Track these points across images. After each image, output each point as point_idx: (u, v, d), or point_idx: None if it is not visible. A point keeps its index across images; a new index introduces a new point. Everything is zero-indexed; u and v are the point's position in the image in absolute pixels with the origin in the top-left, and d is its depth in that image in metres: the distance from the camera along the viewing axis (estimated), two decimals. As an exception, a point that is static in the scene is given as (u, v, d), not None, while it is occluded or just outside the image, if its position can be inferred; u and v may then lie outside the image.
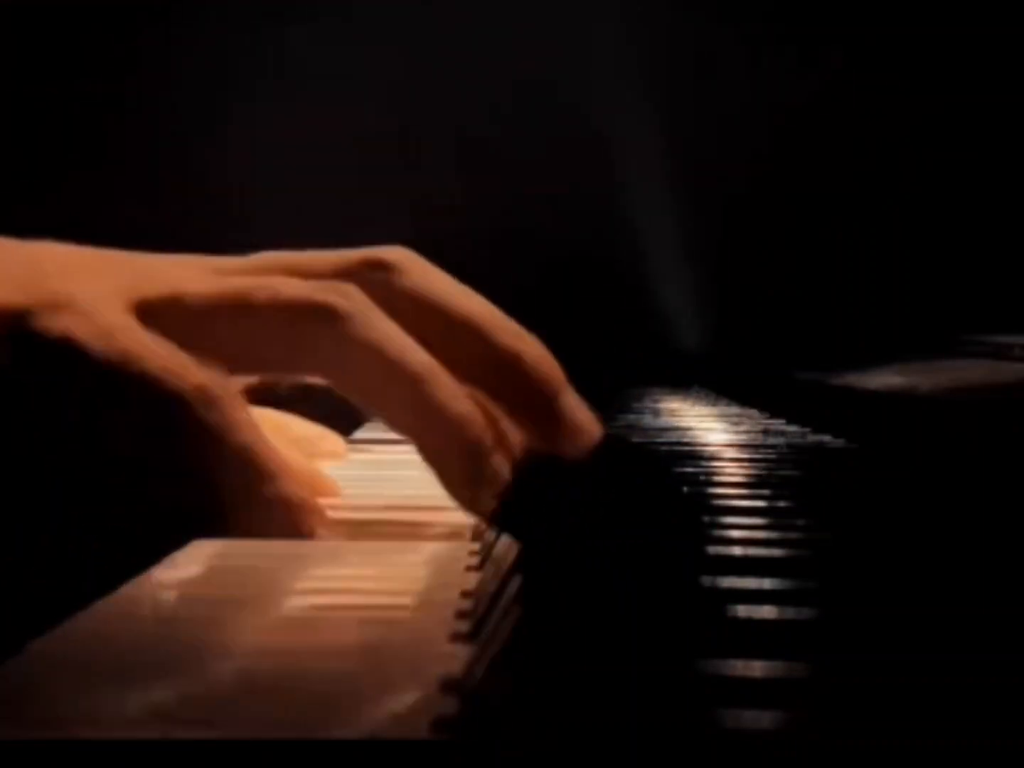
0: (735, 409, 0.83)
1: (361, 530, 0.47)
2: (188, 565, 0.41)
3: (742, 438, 0.65)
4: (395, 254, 0.47)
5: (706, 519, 0.38)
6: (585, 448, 0.47)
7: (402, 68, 1.08)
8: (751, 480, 0.48)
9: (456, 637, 0.31)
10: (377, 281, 0.45)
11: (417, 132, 1.09)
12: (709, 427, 0.71)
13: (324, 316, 0.43)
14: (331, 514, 0.46)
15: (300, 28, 1.09)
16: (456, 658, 0.28)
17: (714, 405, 0.88)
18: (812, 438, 0.65)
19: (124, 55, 1.08)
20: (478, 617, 0.31)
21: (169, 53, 1.10)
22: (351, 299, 0.44)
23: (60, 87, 1.08)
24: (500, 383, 0.46)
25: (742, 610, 0.27)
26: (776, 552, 0.34)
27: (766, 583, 0.30)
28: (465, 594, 0.35)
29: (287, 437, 0.53)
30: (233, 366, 0.44)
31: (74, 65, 1.08)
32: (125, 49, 1.08)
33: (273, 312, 0.43)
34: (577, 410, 0.47)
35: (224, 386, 0.43)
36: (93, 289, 0.43)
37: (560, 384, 0.47)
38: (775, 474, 0.50)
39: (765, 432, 0.67)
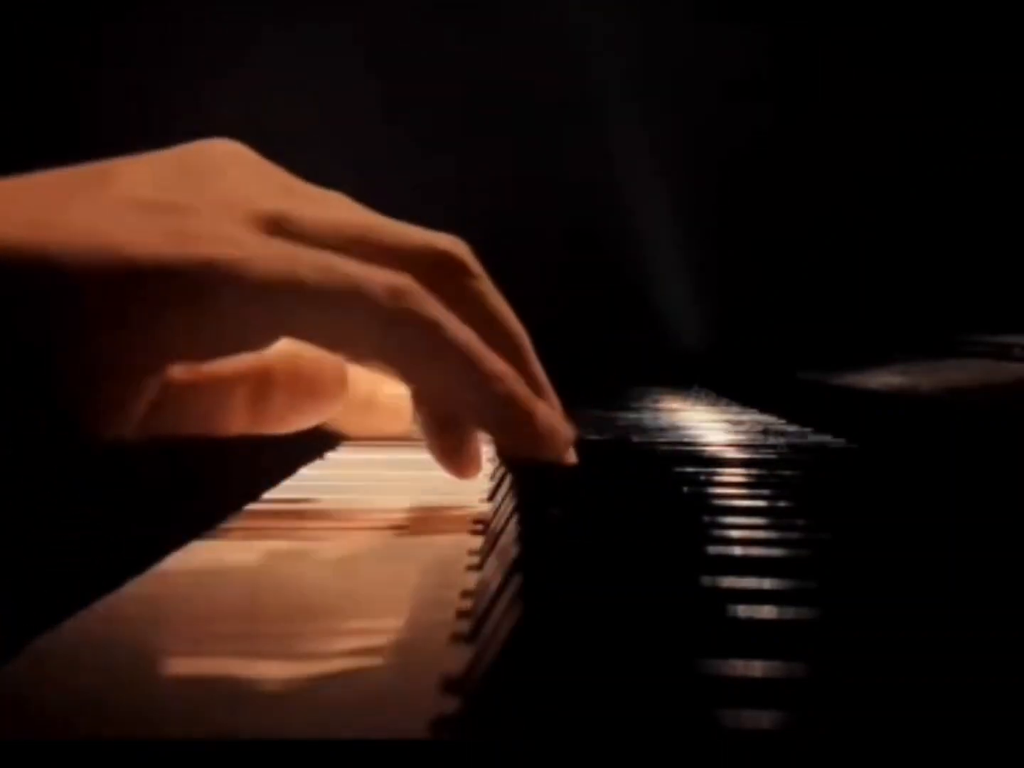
0: (736, 409, 0.83)
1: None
2: (187, 565, 0.41)
3: (742, 438, 0.65)
4: (462, 251, 0.46)
5: (706, 519, 0.38)
6: (559, 452, 0.47)
7: (398, 46, 1.08)
8: (751, 480, 0.48)
9: (456, 637, 0.31)
10: (446, 276, 0.46)
11: (410, 130, 1.09)
12: (709, 427, 0.71)
13: (416, 325, 0.42)
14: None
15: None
16: (456, 658, 0.28)
17: (715, 405, 0.88)
18: (813, 438, 0.65)
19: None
20: (478, 617, 0.31)
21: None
22: (434, 308, 0.43)
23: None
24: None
25: (742, 610, 0.27)
26: (776, 552, 0.34)
27: (766, 583, 0.30)
28: (465, 594, 0.35)
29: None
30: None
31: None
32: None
33: (366, 308, 0.42)
34: (552, 415, 0.48)
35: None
36: (221, 214, 0.41)
37: (544, 390, 0.48)
38: (775, 474, 0.50)
39: (765, 432, 0.67)
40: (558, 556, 0.33)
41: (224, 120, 1.08)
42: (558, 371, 0.79)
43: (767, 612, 0.27)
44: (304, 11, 1.10)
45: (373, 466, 0.63)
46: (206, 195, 0.41)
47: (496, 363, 0.44)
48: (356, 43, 1.09)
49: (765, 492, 0.44)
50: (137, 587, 0.37)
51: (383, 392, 0.58)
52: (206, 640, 0.32)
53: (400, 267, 0.43)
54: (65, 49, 1.08)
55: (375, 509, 0.50)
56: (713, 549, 0.34)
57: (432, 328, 0.42)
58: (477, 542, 0.43)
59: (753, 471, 0.51)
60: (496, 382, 0.44)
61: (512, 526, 0.38)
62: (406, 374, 0.43)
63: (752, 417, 0.77)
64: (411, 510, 0.51)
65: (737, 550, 0.34)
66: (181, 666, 0.29)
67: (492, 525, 0.44)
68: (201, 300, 0.39)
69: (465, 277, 0.46)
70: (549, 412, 0.47)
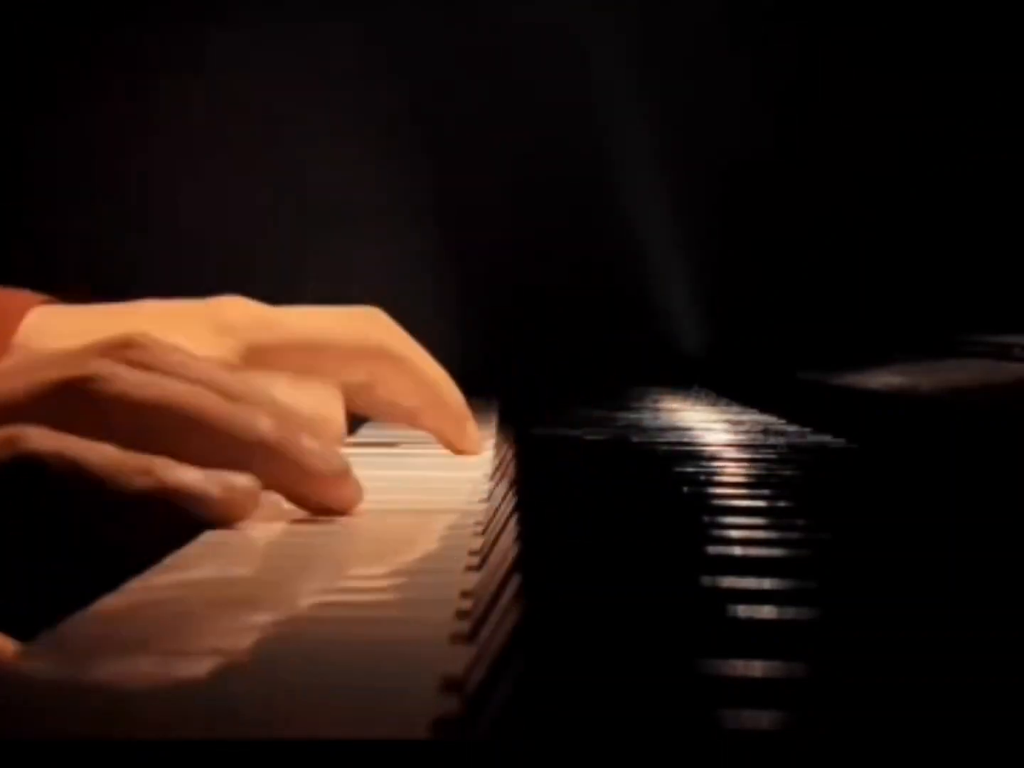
0: (736, 409, 0.83)
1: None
2: (186, 564, 0.41)
3: (742, 438, 0.65)
4: (94, 367, 0.46)
5: (706, 519, 0.38)
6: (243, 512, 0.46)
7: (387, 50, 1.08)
8: (751, 480, 0.48)
9: (456, 637, 0.31)
10: (80, 399, 0.46)
11: (409, 130, 1.09)
12: (709, 427, 0.71)
13: (40, 462, 0.44)
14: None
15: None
16: (456, 658, 0.28)
17: (715, 405, 0.88)
18: (812, 438, 0.65)
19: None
20: (478, 617, 0.31)
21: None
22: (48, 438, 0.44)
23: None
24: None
25: (742, 610, 0.27)
26: (776, 552, 0.34)
27: (766, 583, 0.30)
28: (465, 594, 0.35)
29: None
30: None
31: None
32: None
33: None
34: (203, 479, 0.46)
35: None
36: None
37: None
38: (775, 474, 0.50)
39: (765, 432, 0.67)
40: (558, 556, 0.33)
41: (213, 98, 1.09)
42: (559, 371, 0.79)
43: (767, 612, 0.27)
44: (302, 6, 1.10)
45: (371, 466, 0.63)
46: None
47: (130, 461, 0.44)
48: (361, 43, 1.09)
49: (765, 492, 0.44)
50: (137, 587, 0.37)
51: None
52: (206, 640, 0.32)
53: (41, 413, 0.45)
54: (64, 49, 1.08)
55: (373, 509, 0.50)
56: (713, 549, 0.34)
57: (54, 459, 0.44)
58: (477, 542, 0.43)
59: (753, 471, 0.51)
60: (136, 478, 0.44)
61: (512, 526, 0.38)
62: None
63: (752, 417, 0.77)
64: (410, 510, 0.51)
65: (737, 550, 0.34)
66: (181, 665, 0.29)
67: (492, 525, 0.44)
68: None
69: (97, 395, 0.46)
70: (199, 478, 0.45)
